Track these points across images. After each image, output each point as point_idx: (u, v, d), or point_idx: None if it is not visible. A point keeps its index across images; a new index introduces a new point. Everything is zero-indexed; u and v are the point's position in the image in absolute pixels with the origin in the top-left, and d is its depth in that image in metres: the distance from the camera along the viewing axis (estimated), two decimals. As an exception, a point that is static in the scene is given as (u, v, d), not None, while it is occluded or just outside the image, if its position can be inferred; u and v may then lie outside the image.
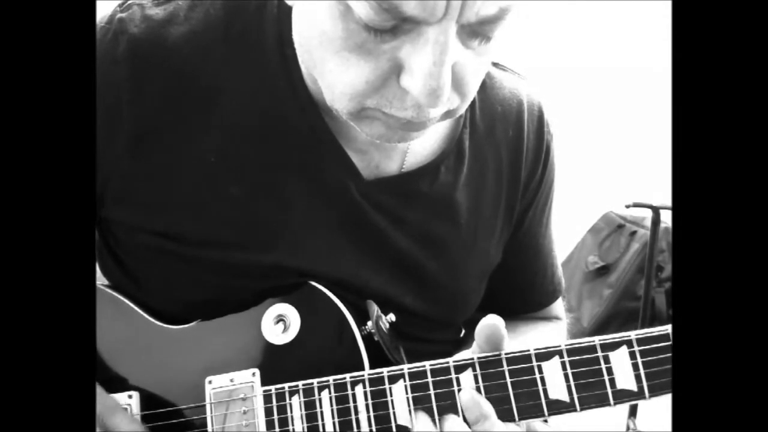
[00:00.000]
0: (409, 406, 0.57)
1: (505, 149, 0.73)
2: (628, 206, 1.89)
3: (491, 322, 0.55)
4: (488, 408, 0.55)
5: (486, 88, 0.73)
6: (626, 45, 2.69)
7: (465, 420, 0.55)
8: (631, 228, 2.48)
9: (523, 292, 0.83)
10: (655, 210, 1.88)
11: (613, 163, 2.67)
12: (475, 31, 0.49)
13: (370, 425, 0.57)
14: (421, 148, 0.68)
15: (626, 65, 2.69)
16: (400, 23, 0.47)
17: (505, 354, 0.57)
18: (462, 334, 0.78)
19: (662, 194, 1.87)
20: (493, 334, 0.55)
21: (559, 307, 0.87)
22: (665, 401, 0.54)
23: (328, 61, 0.51)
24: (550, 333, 0.82)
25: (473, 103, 0.71)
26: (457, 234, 0.70)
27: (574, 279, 2.55)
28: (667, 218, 2.11)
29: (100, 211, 0.64)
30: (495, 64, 0.76)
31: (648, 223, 1.99)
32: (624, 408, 0.55)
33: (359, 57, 0.49)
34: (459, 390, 0.56)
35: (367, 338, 0.62)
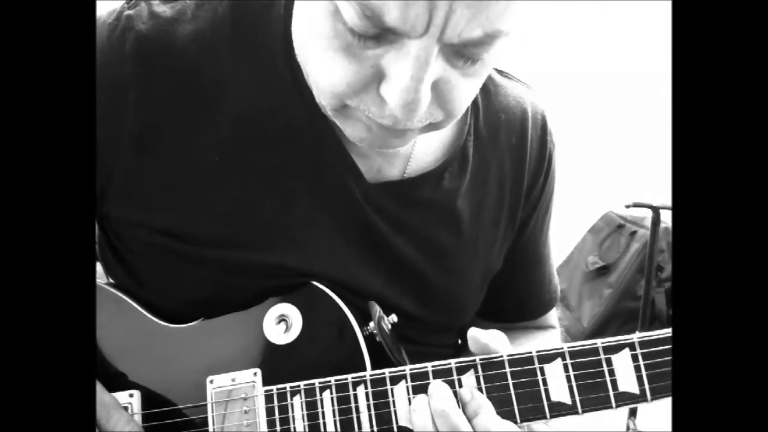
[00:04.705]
0: (410, 407, 0.57)
1: (508, 157, 0.73)
2: (628, 206, 1.89)
3: (483, 342, 0.57)
4: (484, 401, 0.55)
5: (490, 95, 0.73)
6: (626, 47, 2.69)
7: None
8: (631, 228, 2.48)
9: (522, 300, 0.83)
10: (655, 210, 1.89)
11: (613, 163, 2.68)
12: (460, 52, 0.49)
13: (371, 426, 0.57)
14: (424, 154, 0.68)
15: (626, 66, 2.69)
16: (383, 32, 0.47)
17: (508, 356, 0.57)
18: (459, 342, 0.79)
19: (662, 194, 1.87)
20: (485, 349, 0.58)
21: (553, 316, 0.87)
22: (665, 401, 0.54)
23: (317, 57, 0.52)
24: (546, 343, 0.82)
25: (477, 110, 0.71)
26: (458, 240, 0.70)
27: (574, 279, 2.55)
28: (667, 218, 2.12)
29: (103, 207, 0.64)
30: (500, 72, 0.76)
31: (648, 223, 1.99)
32: (624, 408, 0.55)
33: (344, 58, 0.50)
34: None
35: (369, 339, 0.62)
